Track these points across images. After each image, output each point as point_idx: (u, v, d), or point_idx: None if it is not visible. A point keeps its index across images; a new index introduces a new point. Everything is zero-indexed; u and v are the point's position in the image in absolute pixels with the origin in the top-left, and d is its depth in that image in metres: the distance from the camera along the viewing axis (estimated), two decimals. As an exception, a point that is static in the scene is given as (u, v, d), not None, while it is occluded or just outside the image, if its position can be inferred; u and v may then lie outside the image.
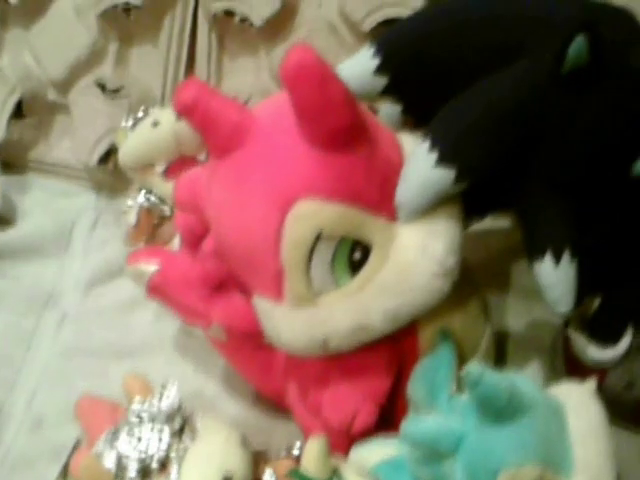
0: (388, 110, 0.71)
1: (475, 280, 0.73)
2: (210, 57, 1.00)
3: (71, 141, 1.01)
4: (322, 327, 0.62)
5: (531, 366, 0.79)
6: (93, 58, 1.00)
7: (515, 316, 0.83)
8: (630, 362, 0.73)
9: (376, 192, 0.61)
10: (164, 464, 0.56)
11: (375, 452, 0.64)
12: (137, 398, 0.58)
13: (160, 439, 0.56)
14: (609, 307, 0.72)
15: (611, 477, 0.57)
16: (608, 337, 0.72)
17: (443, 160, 0.59)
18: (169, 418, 0.57)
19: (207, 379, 0.82)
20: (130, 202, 0.87)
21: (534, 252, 0.63)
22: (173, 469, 0.55)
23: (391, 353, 0.67)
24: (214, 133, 0.60)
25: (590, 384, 0.62)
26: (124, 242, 0.90)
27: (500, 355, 0.80)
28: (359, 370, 0.66)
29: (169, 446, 0.56)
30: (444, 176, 0.60)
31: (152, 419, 0.57)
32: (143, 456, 0.55)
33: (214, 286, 0.69)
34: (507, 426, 0.56)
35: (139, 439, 0.55)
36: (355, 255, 0.61)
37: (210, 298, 0.70)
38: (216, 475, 0.55)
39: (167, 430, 0.56)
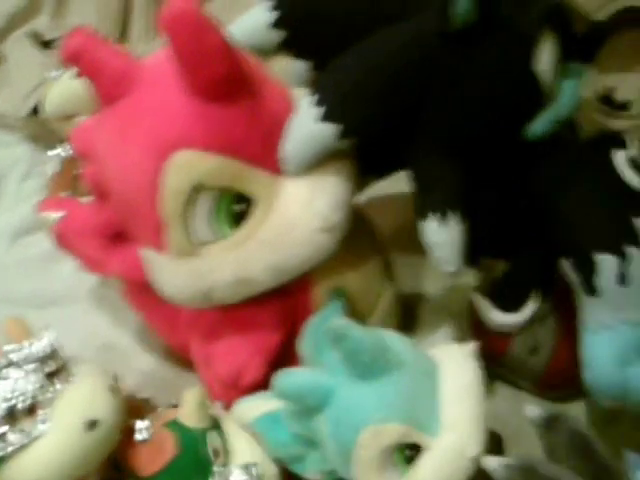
0: (297, 67, 0.72)
1: (377, 242, 0.74)
2: (149, 9, 1.00)
3: (7, 91, 1.02)
4: (204, 278, 0.63)
5: (442, 329, 0.80)
6: (30, 8, 1.01)
7: (430, 280, 0.84)
8: (535, 328, 0.74)
9: (259, 145, 0.62)
10: (33, 408, 0.57)
11: (257, 406, 0.66)
12: (12, 342, 0.59)
13: (28, 382, 0.57)
14: (513, 273, 0.73)
15: (479, 437, 0.58)
16: (511, 303, 0.73)
17: (328, 116, 0.60)
18: (41, 362, 0.58)
19: (122, 332, 0.83)
20: (52, 152, 0.89)
21: (421, 211, 0.64)
22: (41, 413, 0.57)
23: (283, 308, 0.68)
24: (100, 81, 0.61)
25: (468, 346, 0.63)
26: (46, 192, 0.92)
27: (411, 318, 0.81)
28: (249, 324, 0.68)
29: (38, 389, 0.57)
30: (329, 131, 0.60)
31: (23, 362, 0.58)
32: (9, 396, 0.56)
33: (112, 236, 0.70)
34: (373, 383, 0.58)
35: (6, 380, 0.57)
36: (237, 207, 0.62)
37: (108, 248, 0.71)
38: (77, 420, 0.56)
39: (37, 374, 0.58)
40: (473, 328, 0.77)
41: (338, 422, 0.58)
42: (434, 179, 0.64)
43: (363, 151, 0.66)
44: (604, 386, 0.64)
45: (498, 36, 0.61)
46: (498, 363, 0.77)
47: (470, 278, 0.78)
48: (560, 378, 0.74)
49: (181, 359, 0.78)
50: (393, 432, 0.57)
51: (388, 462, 0.58)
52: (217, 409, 0.67)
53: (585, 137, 0.76)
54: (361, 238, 0.71)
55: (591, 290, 0.64)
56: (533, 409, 0.61)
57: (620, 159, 0.71)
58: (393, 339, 0.61)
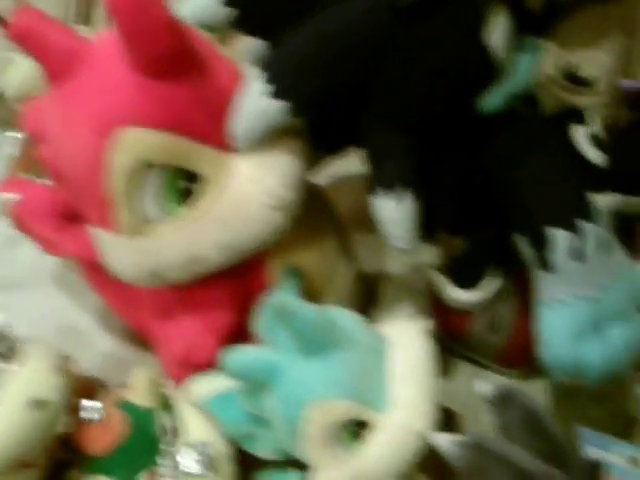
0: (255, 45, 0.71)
1: (336, 221, 0.73)
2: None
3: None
4: (154, 257, 0.63)
5: (404, 308, 0.80)
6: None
7: (393, 259, 0.84)
8: (494, 305, 0.74)
9: (207, 122, 0.61)
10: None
11: (210, 385, 0.66)
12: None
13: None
14: (471, 250, 0.73)
15: (428, 414, 0.58)
16: (470, 280, 0.73)
17: (278, 92, 0.60)
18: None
19: (82, 313, 0.83)
20: (11, 134, 0.88)
21: (373, 187, 0.63)
22: (-13, 392, 0.57)
23: (237, 287, 0.68)
24: (46, 60, 0.61)
25: (421, 323, 0.63)
26: (7, 173, 0.91)
27: (373, 296, 0.81)
28: (203, 303, 0.68)
29: (-16, 369, 0.57)
30: (278, 108, 0.60)
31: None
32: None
33: (67, 217, 0.70)
34: (321, 360, 0.58)
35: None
36: (186, 185, 0.62)
37: (63, 229, 0.71)
38: (22, 399, 0.56)
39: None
40: (434, 306, 0.77)
41: (286, 399, 0.59)
42: (386, 155, 0.63)
43: (316, 128, 0.65)
44: (559, 362, 0.64)
45: (448, 10, 0.61)
46: (459, 341, 0.77)
47: (432, 256, 0.78)
48: (520, 355, 0.74)
49: (141, 339, 0.78)
50: (340, 409, 0.57)
51: (335, 439, 0.58)
52: (171, 388, 0.67)
53: (546, 113, 0.76)
54: (318, 216, 0.71)
55: (545, 266, 0.64)
56: (484, 386, 0.61)
57: (580, 135, 0.71)
58: (342, 316, 0.61)
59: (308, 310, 0.57)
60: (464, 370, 0.78)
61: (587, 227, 0.63)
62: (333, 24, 0.61)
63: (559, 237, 0.63)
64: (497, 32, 0.62)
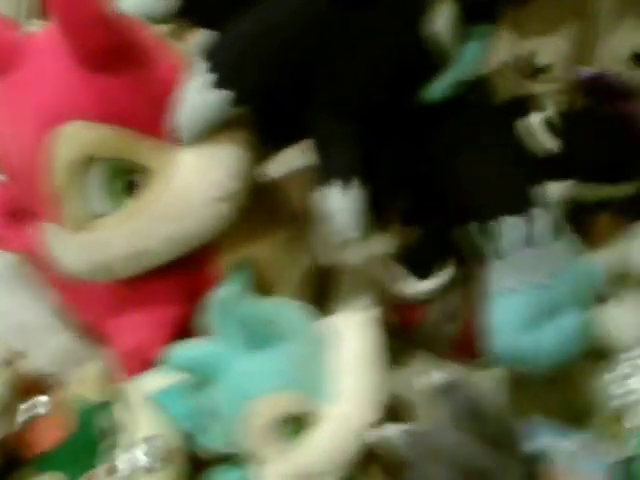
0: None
1: (288, 212, 0.73)
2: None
3: None
4: (101, 251, 0.63)
5: (361, 299, 0.80)
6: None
7: (350, 250, 0.84)
8: (448, 295, 0.74)
9: (150, 114, 0.61)
10: None
11: (160, 379, 0.66)
12: None
13: None
14: (423, 240, 0.73)
15: (373, 405, 0.59)
16: (423, 270, 0.73)
17: (220, 82, 0.60)
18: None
19: (37, 310, 0.83)
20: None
21: (320, 179, 0.63)
22: None
23: (187, 281, 0.68)
24: (-15, 54, 0.61)
25: (367, 313, 0.63)
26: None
27: (330, 288, 0.81)
28: (153, 298, 0.68)
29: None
30: (221, 98, 0.60)
31: None
32: None
33: (14, 212, 0.70)
34: (265, 353, 0.58)
35: None
36: (131, 178, 0.62)
37: (12, 224, 0.71)
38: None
39: None
40: (388, 297, 0.77)
41: (230, 393, 0.59)
42: (331, 144, 0.64)
43: (264, 119, 0.65)
44: (511, 349, 0.64)
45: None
46: (414, 332, 0.77)
47: (387, 246, 0.78)
48: (475, 345, 0.74)
49: (95, 335, 0.78)
50: (283, 401, 0.58)
51: (280, 432, 0.58)
52: (123, 383, 0.67)
53: (500, 100, 0.76)
54: (269, 208, 0.71)
55: (495, 254, 0.64)
56: (429, 376, 0.61)
57: (534, 121, 0.71)
58: (286, 309, 0.61)
59: (250, 304, 0.57)
60: (420, 361, 0.77)
61: (536, 214, 0.63)
62: (275, 13, 0.61)
63: (508, 225, 0.63)
64: (440, 20, 0.62)
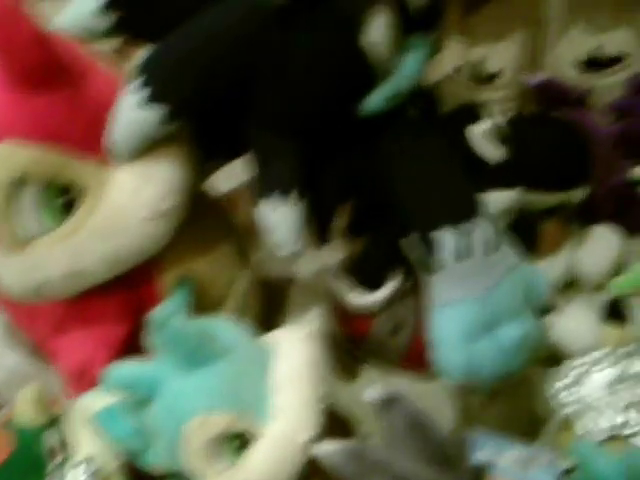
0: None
1: (231, 228, 0.73)
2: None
3: None
4: (35, 273, 0.63)
5: (311, 312, 0.80)
6: None
7: (301, 263, 0.84)
8: (395, 307, 0.74)
9: (83, 134, 0.61)
10: None
11: (100, 400, 0.65)
12: None
13: None
14: (369, 252, 0.73)
15: (310, 422, 0.58)
16: (370, 282, 0.73)
17: (153, 98, 0.60)
18: None
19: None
20: None
21: (258, 193, 0.63)
22: None
23: (128, 299, 0.68)
24: None
25: (307, 327, 0.63)
26: None
27: (281, 301, 0.81)
28: (94, 317, 0.68)
29: None
30: (154, 115, 0.60)
31: None
32: None
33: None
34: (199, 372, 0.58)
35: None
36: (64, 198, 0.62)
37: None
38: None
39: None
40: (337, 310, 0.77)
41: (167, 413, 0.59)
42: (270, 158, 0.64)
43: (205, 134, 0.65)
44: (452, 363, 0.64)
45: (325, 12, 0.61)
46: (364, 343, 0.77)
47: (336, 259, 0.78)
48: (423, 357, 0.74)
49: (43, 354, 0.78)
50: (219, 421, 0.57)
51: (218, 452, 0.58)
52: (65, 403, 0.66)
53: (446, 110, 0.76)
54: (210, 224, 0.71)
55: (435, 265, 0.64)
56: (370, 391, 0.61)
57: (479, 130, 0.71)
58: (223, 327, 0.61)
59: (183, 322, 0.57)
60: (369, 374, 0.77)
61: (473, 227, 0.63)
62: (211, 27, 0.61)
63: (445, 237, 0.63)
64: (376, 33, 0.62)
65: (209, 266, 0.70)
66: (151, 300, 0.68)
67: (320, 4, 0.61)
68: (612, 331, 0.65)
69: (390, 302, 0.74)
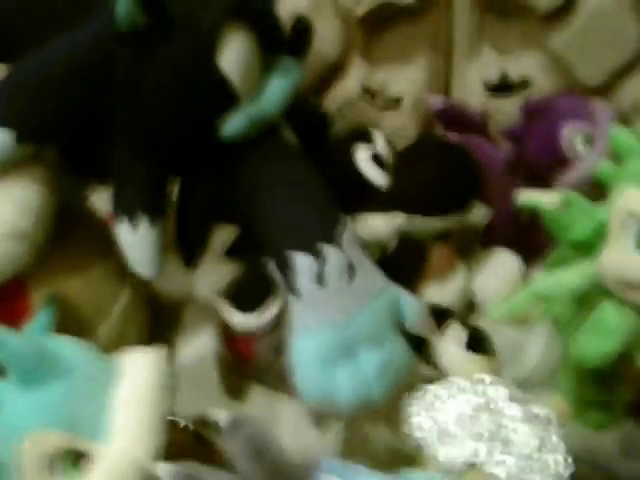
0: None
1: (110, 246, 0.74)
2: None
3: None
4: None
5: (205, 333, 0.81)
6: None
7: (200, 283, 0.85)
8: (278, 329, 0.74)
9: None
10: None
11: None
12: None
13: None
14: (249, 273, 0.74)
15: (148, 443, 0.59)
16: (250, 304, 0.74)
17: (1, 121, 0.61)
18: None
19: None
20: None
21: (113, 212, 0.64)
22: None
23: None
24: None
25: (153, 351, 0.64)
26: None
27: (173, 319, 0.82)
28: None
29: None
30: (3, 137, 0.61)
31: None
32: None
33: None
34: (34, 391, 0.58)
35: None
36: None
37: None
38: None
39: None
40: (223, 331, 0.78)
41: (2, 430, 0.59)
42: (125, 179, 0.65)
43: (79, 154, 0.66)
44: (308, 387, 0.64)
45: (177, 35, 0.62)
46: (248, 365, 0.78)
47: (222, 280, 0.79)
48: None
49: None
50: (52, 440, 0.58)
51: (51, 470, 0.59)
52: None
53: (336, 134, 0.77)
54: (85, 242, 0.72)
55: (292, 291, 0.64)
56: (217, 414, 0.61)
57: (362, 155, 0.72)
58: (62, 346, 0.61)
59: (18, 340, 0.58)
60: (256, 395, 0.78)
61: (328, 252, 0.63)
62: (58, 49, 0.62)
63: (300, 261, 0.63)
64: (231, 56, 0.63)
65: (81, 285, 0.70)
66: (23, 317, 0.69)
67: (177, 26, 0.61)
68: (472, 360, 0.65)
69: (273, 324, 0.74)
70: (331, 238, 0.64)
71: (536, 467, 0.58)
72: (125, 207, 0.64)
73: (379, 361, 0.64)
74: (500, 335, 0.75)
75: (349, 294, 0.64)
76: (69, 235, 0.69)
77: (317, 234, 0.64)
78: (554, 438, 0.59)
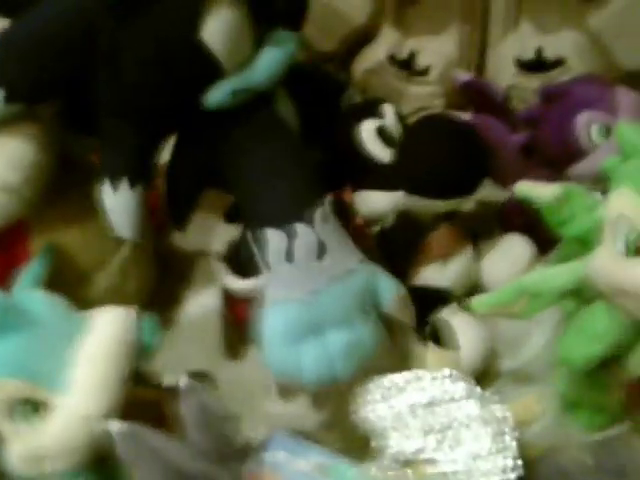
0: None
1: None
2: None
3: None
4: None
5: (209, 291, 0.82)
6: None
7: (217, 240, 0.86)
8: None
9: None
10: None
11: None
12: None
13: None
14: (241, 239, 0.75)
15: (103, 399, 0.62)
16: (245, 268, 0.75)
17: None
18: None
19: None
20: None
21: (99, 176, 0.67)
22: None
23: (2, 259, 0.73)
24: None
25: (122, 309, 0.66)
26: None
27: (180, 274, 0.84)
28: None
29: None
30: None
31: None
32: None
33: None
34: (3, 340, 0.62)
35: None
36: None
37: None
38: None
39: None
40: (224, 293, 0.79)
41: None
42: (111, 142, 0.66)
43: (68, 111, 0.69)
44: (277, 363, 0.66)
45: (159, 6, 0.62)
46: (245, 326, 0.79)
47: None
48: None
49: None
50: (11, 387, 0.61)
51: (12, 415, 0.62)
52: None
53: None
54: (88, 195, 0.74)
55: (264, 264, 0.65)
56: (180, 377, 0.62)
57: (367, 129, 0.71)
58: (33, 301, 0.64)
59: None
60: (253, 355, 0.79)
61: (298, 230, 0.64)
62: (43, 12, 0.64)
63: (271, 237, 0.64)
64: (215, 27, 0.63)
65: (82, 234, 0.73)
66: (27, 262, 0.72)
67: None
68: (431, 354, 0.64)
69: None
70: (302, 216, 0.64)
71: (483, 467, 0.58)
72: (108, 169, 0.66)
73: (346, 341, 0.64)
74: (501, 324, 0.74)
75: (318, 272, 0.64)
76: (72, 187, 0.71)
77: (289, 211, 0.64)
78: (507, 439, 0.58)
